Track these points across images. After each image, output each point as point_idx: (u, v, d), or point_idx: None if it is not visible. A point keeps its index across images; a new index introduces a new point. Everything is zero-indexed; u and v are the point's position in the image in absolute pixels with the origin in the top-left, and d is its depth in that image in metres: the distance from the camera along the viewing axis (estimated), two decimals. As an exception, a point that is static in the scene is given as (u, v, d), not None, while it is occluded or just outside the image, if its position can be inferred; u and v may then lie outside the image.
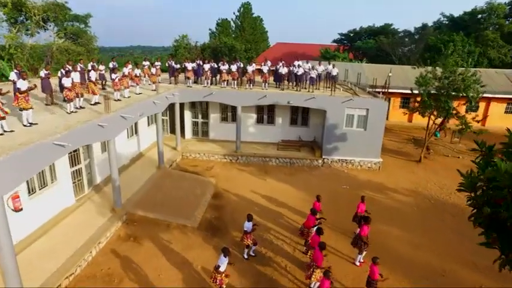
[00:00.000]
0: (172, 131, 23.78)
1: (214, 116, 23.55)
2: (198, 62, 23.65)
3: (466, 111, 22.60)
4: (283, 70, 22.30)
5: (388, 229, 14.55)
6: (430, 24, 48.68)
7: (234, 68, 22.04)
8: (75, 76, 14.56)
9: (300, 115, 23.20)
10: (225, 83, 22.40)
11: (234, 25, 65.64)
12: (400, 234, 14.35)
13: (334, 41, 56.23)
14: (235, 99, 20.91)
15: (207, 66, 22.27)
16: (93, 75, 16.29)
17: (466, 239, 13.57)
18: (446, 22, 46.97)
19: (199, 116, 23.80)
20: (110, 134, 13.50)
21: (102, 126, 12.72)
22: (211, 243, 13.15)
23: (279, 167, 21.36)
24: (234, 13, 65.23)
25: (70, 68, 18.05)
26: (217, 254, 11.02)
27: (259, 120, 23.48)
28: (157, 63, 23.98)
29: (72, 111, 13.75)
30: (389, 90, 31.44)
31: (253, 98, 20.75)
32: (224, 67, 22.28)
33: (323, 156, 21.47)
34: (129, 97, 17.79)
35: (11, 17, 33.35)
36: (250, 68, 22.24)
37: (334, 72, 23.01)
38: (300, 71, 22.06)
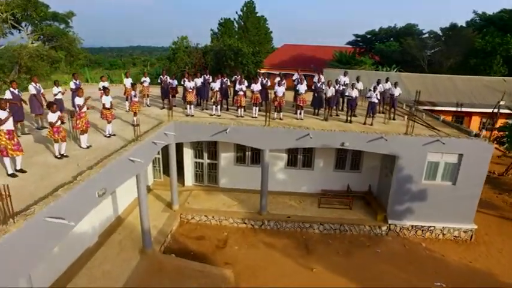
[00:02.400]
0: (167, 171, 16.01)
1: (226, 156, 15.65)
2: (204, 76, 15.70)
3: None
4: (329, 91, 14.36)
5: None
6: (459, 23, 40.74)
7: (216, 85, 14.37)
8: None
9: (349, 155, 15.36)
10: (241, 109, 14.52)
11: (237, 25, 57.54)
12: None
13: (349, 43, 48.22)
14: (262, 139, 13.02)
15: (216, 85, 14.33)
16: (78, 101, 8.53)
17: None
18: (479, 21, 39.10)
19: (205, 156, 15.88)
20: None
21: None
22: None
23: (325, 239, 13.61)
24: (236, 12, 57.08)
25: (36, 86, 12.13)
26: None
27: (292, 163, 15.62)
28: (145, 80, 16.01)
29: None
30: (437, 108, 23.88)
31: (288, 137, 12.88)
32: (240, 86, 14.38)
33: (389, 221, 13.72)
34: (87, 147, 9.98)
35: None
36: (256, 87, 14.34)
37: (396, 92, 15.20)
38: (354, 93, 14.19)
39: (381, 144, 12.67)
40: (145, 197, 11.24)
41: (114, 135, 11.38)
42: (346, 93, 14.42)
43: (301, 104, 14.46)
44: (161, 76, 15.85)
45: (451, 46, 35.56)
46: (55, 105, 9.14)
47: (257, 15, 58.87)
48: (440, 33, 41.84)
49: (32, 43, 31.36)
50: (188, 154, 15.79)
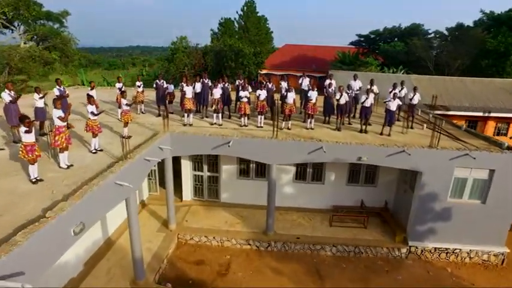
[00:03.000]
0: (164, 184, 14.47)
1: (228, 169, 14.08)
2: (202, 80, 14.16)
3: None
4: (342, 98, 12.78)
5: None
6: (465, 23, 39.12)
7: (217, 92, 12.80)
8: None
9: (363, 168, 13.80)
10: (245, 118, 13.00)
11: (237, 25, 55.90)
12: None
13: (352, 43, 46.56)
14: (269, 153, 11.43)
15: (217, 93, 12.76)
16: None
17: None
18: (487, 20, 37.46)
19: (205, 168, 14.30)
20: None
21: None
22: None
23: (338, 263, 12.07)
24: (237, 12, 55.45)
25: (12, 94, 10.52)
26: None
27: (300, 176, 14.05)
28: (139, 84, 14.45)
29: None
30: (449, 113, 22.36)
31: (299, 151, 11.31)
32: (244, 93, 12.82)
33: (409, 242, 12.18)
34: (68, 167, 8.43)
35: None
36: (263, 95, 12.83)
37: (416, 99, 13.65)
38: (369, 101, 12.62)
39: (402, 158, 11.11)
40: (137, 222, 9.67)
41: (101, 150, 9.82)
42: (361, 101, 12.83)
43: (312, 113, 12.90)
44: (157, 81, 14.26)
45: (458, 46, 33.96)
46: (27, 120, 7.57)
47: (258, 15, 57.33)
48: (447, 33, 40.28)
49: (25, 43, 29.76)
50: (186, 166, 14.22)
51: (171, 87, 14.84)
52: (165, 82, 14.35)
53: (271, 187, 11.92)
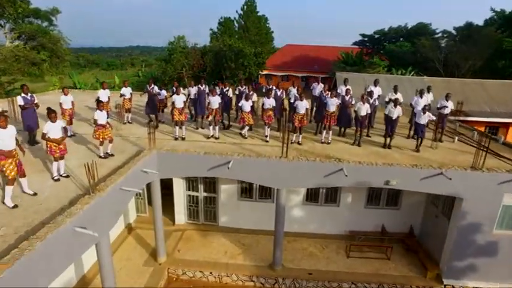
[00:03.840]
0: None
1: (227, 189, 11.89)
2: (198, 87, 12.03)
3: None
4: (363, 109, 10.56)
5: None
6: (476, 22, 36.92)
7: (215, 101, 10.62)
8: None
9: (384, 189, 11.59)
10: (245, 129, 10.85)
11: (237, 25, 53.70)
12: None
13: (355, 43, 44.37)
14: (277, 176, 9.22)
15: (216, 101, 10.57)
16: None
17: None
18: (498, 19, 35.30)
19: (201, 187, 12.12)
20: None
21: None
22: None
23: (360, 306, 9.90)
24: (237, 11, 53.22)
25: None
26: None
27: (311, 197, 11.87)
28: (126, 91, 12.31)
29: None
30: (469, 119, 20.21)
31: (314, 174, 9.11)
32: (248, 102, 10.65)
33: (444, 280, 10.02)
34: (14, 207, 6.24)
35: None
36: (267, 103, 10.64)
37: (448, 107, 11.49)
38: (397, 113, 10.44)
39: (440, 182, 8.93)
40: (111, 272, 7.46)
41: (66, 176, 7.64)
42: (386, 112, 10.64)
43: (329, 124, 10.75)
44: (147, 86, 12.06)
45: (470, 47, 31.79)
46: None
47: (258, 14, 55.11)
48: (455, 33, 38.10)
49: (12, 42, 27.50)
50: (179, 185, 12.03)
51: (163, 92, 12.71)
52: (156, 88, 12.17)
53: (279, 214, 9.73)
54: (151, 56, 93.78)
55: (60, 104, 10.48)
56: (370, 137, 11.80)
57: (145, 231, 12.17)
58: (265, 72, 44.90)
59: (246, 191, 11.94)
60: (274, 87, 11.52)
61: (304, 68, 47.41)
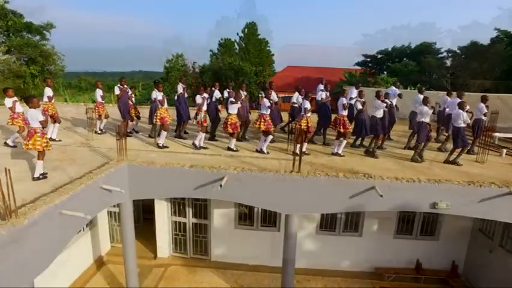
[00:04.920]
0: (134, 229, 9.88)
1: (222, 213, 9.40)
2: (182, 86, 9.89)
3: None
4: (379, 111, 8.30)
5: None
6: (480, 41, 35.58)
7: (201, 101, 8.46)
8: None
9: (418, 213, 9.12)
10: (232, 140, 8.56)
11: (237, 47, 52.97)
12: None
13: (358, 64, 42.91)
14: (286, 197, 6.79)
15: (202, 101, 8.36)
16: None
17: None
18: (505, 38, 33.95)
19: (189, 212, 9.62)
20: None
21: None
22: None
23: None
24: (237, 34, 52.68)
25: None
26: None
27: (328, 224, 9.36)
28: (98, 92, 10.13)
29: None
30: (494, 134, 17.99)
31: (335, 194, 6.67)
32: (234, 107, 8.44)
33: None
34: None
35: None
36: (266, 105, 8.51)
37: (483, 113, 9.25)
38: (428, 115, 8.22)
39: (505, 205, 6.52)
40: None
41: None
42: (422, 120, 8.37)
43: (344, 130, 8.49)
44: (119, 85, 9.88)
45: (480, 65, 30.19)
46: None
47: (259, 37, 54.51)
48: (459, 52, 36.72)
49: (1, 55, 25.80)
50: (162, 209, 9.55)
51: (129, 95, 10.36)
52: (129, 89, 10.01)
53: (289, 248, 7.19)
54: (154, 80, 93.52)
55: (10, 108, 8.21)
56: (384, 148, 9.46)
57: (120, 267, 9.55)
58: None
59: (246, 216, 9.44)
60: (271, 91, 9.31)
61: (305, 89, 45.84)
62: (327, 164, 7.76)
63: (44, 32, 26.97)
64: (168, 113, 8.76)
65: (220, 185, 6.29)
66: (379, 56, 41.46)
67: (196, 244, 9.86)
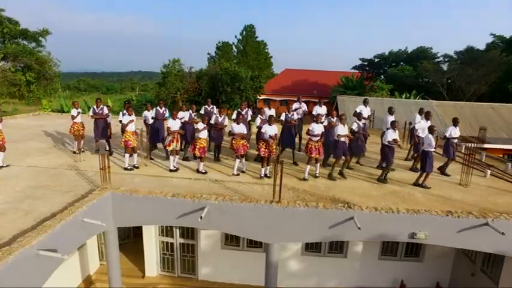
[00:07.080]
0: (122, 247, 10.01)
1: (208, 235, 9.47)
2: (156, 109, 10.00)
3: None
4: (390, 136, 8.34)
5: None
6: (477, 46, 35.54)
7: (175, 124, 8.70)
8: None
9: (403, 235, 9.18)
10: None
11: (236, 50, 52.89)
12: None
13: (355, 68, 42.94)
14: (268, 227, 6.86)
15: (176, 124, 8.55)
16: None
17: None
18: (499, 43, 33.96)
19: (176, 232, 9.70)
20: None
21: None
22: None
23: None
24: (235, 36, 52.55)
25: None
26: None
27: (312, 246, 9.42)
28: (75, 113, 10.22)
29: None
30: (484, 146, 18.01)
31: (316, 224, 6.74)
32: (239, 128, 8.49)
33: None
34: None
35: None
36: (270, 131, 8.58)
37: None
38: (431, 139, 8.26)
39: (484, 236, 6.58)
40: None
41: None
42: (425, 144, 8.42)
43: (315, 155, 8.55)
44: (94, 107, 9.89)
45: (474, 70, 30.15)
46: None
47: (257, 39, 54.43)
48: (455, 57, 36.68)
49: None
50: (150, 229, 9.63)
51: (108, 113, 10.26)
52: (105, 108, 10.00)
53: (270, 274, 7.27)
54: (153, 80, 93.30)
55: None
56: (357, 166, 9.52)
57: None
58: (263, 96, 43.28)
59: (232, 237, 9.51)
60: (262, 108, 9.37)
61: (303, 93, 45.86)
62: (309, 190, 7.82)
63: (40, 38, 27.05)
64: (133, 137, 8.74)
65: (201, 217, 6.35)
66: (376, 60, 41.47)
67: (183, 263, 9.94)
